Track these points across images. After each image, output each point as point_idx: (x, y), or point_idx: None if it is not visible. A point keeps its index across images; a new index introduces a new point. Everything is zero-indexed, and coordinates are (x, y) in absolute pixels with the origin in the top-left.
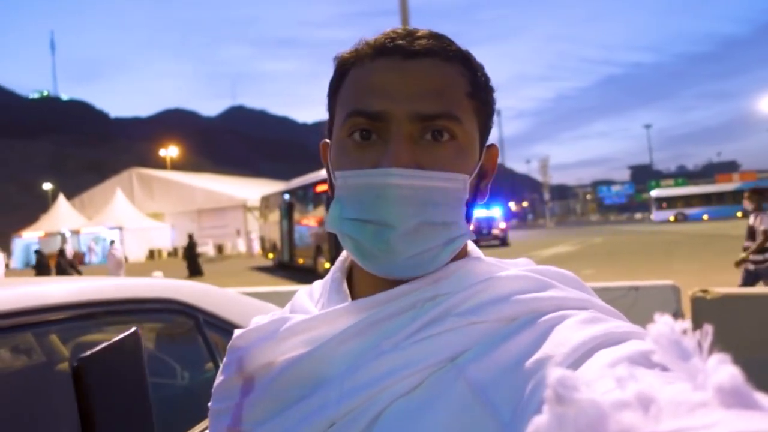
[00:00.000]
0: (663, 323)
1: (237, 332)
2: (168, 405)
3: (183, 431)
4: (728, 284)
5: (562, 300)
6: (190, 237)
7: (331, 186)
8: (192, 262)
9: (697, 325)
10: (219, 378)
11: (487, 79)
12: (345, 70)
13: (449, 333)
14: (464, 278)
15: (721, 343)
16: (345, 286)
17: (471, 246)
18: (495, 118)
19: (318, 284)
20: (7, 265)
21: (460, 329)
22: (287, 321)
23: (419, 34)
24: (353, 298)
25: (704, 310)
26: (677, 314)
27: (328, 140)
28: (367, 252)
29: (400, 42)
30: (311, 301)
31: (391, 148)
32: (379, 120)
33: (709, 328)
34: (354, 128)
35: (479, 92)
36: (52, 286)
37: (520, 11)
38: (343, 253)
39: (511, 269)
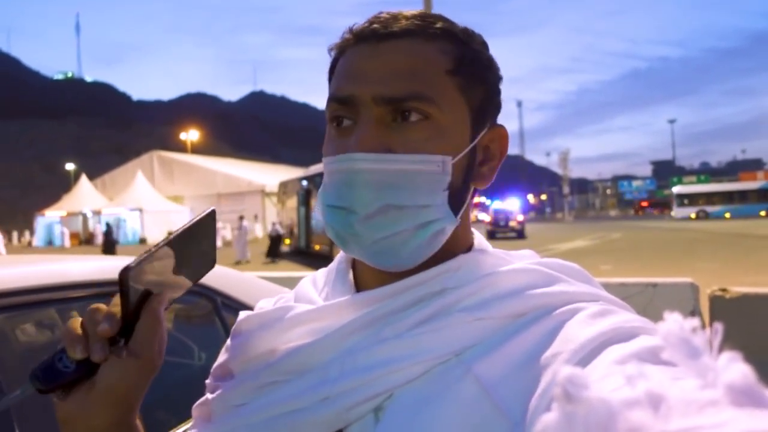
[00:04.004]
0: (672, 321)
1: (242, 315)
2: (185, 384)
3: None
4: (750, 284)
5: (571, 295)
6: (108, 225)
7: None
8: (108, 246)
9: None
10: (221, 358)
11: (478, 54)
12: (335, 60)
13: (454, 328)
14: (470, 272)
15: (739, 344)
16: (350, 276)
17: (478, 238)
18: (515, 109)
19: (322, 273)
20: (29, 243)
21: (465, 325)
22: (292, 309)
23: (403, 15)
24: (358, 288)
25: (722, 310)
26: (695, 312)
27: None
28: (341, 238)
29: (376, 25)
30: (315, 290)
31: (356, 133)
32: (348, 104)
33: (719, 327)
34: (332, 114)
35: (465, 68)
36: (73, 265)
37: (544, 2)
38: None
39: (516, 262)
